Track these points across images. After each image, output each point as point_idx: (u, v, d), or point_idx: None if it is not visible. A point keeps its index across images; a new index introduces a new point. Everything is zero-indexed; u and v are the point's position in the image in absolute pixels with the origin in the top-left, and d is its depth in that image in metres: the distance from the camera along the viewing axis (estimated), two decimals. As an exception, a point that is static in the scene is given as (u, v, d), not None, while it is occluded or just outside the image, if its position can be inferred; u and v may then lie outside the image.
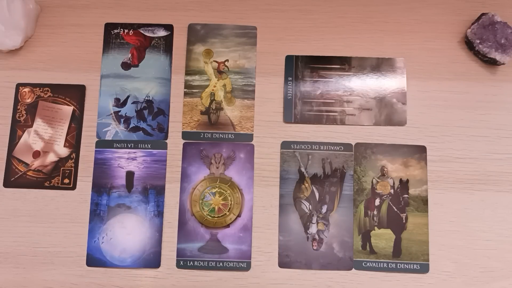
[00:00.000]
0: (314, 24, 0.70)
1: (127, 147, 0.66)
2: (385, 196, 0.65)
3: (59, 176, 0.65)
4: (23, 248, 0.63)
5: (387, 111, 0.67)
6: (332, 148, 0.66)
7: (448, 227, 0.64)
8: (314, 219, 0.64)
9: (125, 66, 0.69)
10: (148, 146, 0.66)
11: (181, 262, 0.63)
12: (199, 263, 0.63)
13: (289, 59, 0.69)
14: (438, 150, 0.66)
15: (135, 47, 0.69)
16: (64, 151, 0.66)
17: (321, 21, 0.70)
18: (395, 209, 0.64)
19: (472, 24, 0.69)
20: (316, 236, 0.64)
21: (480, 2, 0.71)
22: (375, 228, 0.64)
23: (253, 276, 0.63)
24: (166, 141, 0.67)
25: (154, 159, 0.66)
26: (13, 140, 0.66)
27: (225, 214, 0.64)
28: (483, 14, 0.68)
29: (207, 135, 0.67)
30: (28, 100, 0.68)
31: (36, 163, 0.66)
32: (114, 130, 0.67)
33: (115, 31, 0.70)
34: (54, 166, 0.66)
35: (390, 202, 0.65)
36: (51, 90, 0.68)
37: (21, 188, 0.65)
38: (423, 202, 0.64)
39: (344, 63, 0.69)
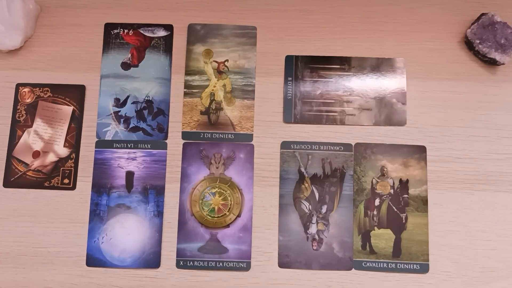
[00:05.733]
0: (314, 24, 0.70)
1: (127, 147, 0.66)
2: (385, 196, 0.65)
3: (59, 176, 0.65)
4: (23, 248, 0.63)
5: (387, 111, 0.67)
6: (332, 148, 0.66)
7: (448, 227, 0.64)
8: (314, 219, 0.64)
9: (125, 66, 0.69)
10: (148, 146, 0.66)
11: (181, 262, 0.63)
12: (199, 263, 0.63)
13: (289, 59, 0.69)
14: (438, 150, 0.66)
15: (135, 47, 0.69)
16: (64, 151, 0.66)
17: (321, 21, 0.70)
18: (395, 209, 0.64)
19: (472, 24, 0.69)
20: (316, 236, 0.64)
21: (480, 2, 0.71)
22: (375, 228, 0.64)
23: (253, 276, 0.63)
24: (166, 141, 0.67)
25: (154, 159, 0.66)
26: (13, 140, 0.66)
27: (225, 214, 0.64)
28: (483, 14, 0.68)
29: (207, 135, 0.67)
30: (28, 100, 0.68)
31: (36, 163, 0.66)
32: (114, 130, 0.67)
33: (115, 31, 0.70)
34: (54, 166, 0.66)
35: (390, 202, 0.65)
36: (51, 90, 0.68)
37: (21, 188, 0.65)
38: (423, 202, 0.64)
39: (344, 63, 0.69)
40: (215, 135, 0.67)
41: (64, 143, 0.66)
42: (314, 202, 0.65)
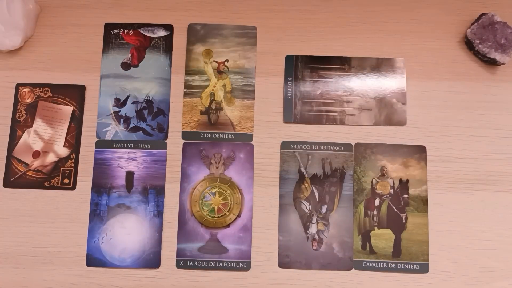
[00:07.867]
0: (314, 24, 0.70)
1: (127, 147, 0.66)
2: (385, 196, 0.65)
3: (59, 176, 0.65)
4: (23, 248, 0.63)
5: (387, 111, 0.67)
6: (332, 148, 0.66)
7: (448, 227, 0.64)
8: (314, 219, 0.64)
9: (125, 66, 0.69)
10: (148, 146, 0.66)
11: (181, 262, 0.63)
12: (199, 263, 0.63)
13: (289, 59, 0.69)
14: (438, 150, 0.66)
15: (135, 47, 0.69)
16: (64, 151, 0.66)
17: (321, 21, 0.70)
18: (395, 209, 0.64)
19: (472, 24, 0.69)
20: (316, 236, 0.64)
21: (480, 2, 0.71)
22: (375, 228, 0.64)
23: (253, 276, 0.63)
24: (166, 141, 0.67)
25: (154, 159, 0.66)
26: (13, 140, 0.66)
27: (225, 214, 0.64)
28: (483, 14, 0.68)
29: (207, 135, 0.67)
30: (28, 100, 0.68)
31: (36, 163, 0.66)
32: (114, 130, 0.67)
33: (115, 31, 0.70)
34: (54, 166, 0.66)
35: (390, 202, 0.65)
36: (51, 90, 0.68)
37: (21, 188, 0.65)
38: (423, 202, 0.64)
39: (344, 63, 0.69)
40: (215, 135, 0.67)
41: (64, 143, 0.66)
42: (314, 202, 0.65)
